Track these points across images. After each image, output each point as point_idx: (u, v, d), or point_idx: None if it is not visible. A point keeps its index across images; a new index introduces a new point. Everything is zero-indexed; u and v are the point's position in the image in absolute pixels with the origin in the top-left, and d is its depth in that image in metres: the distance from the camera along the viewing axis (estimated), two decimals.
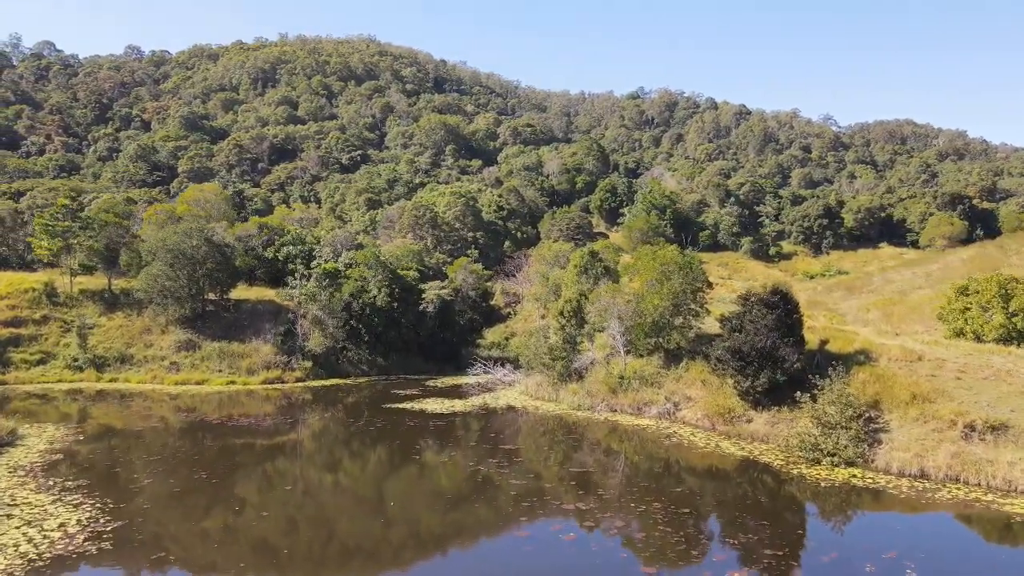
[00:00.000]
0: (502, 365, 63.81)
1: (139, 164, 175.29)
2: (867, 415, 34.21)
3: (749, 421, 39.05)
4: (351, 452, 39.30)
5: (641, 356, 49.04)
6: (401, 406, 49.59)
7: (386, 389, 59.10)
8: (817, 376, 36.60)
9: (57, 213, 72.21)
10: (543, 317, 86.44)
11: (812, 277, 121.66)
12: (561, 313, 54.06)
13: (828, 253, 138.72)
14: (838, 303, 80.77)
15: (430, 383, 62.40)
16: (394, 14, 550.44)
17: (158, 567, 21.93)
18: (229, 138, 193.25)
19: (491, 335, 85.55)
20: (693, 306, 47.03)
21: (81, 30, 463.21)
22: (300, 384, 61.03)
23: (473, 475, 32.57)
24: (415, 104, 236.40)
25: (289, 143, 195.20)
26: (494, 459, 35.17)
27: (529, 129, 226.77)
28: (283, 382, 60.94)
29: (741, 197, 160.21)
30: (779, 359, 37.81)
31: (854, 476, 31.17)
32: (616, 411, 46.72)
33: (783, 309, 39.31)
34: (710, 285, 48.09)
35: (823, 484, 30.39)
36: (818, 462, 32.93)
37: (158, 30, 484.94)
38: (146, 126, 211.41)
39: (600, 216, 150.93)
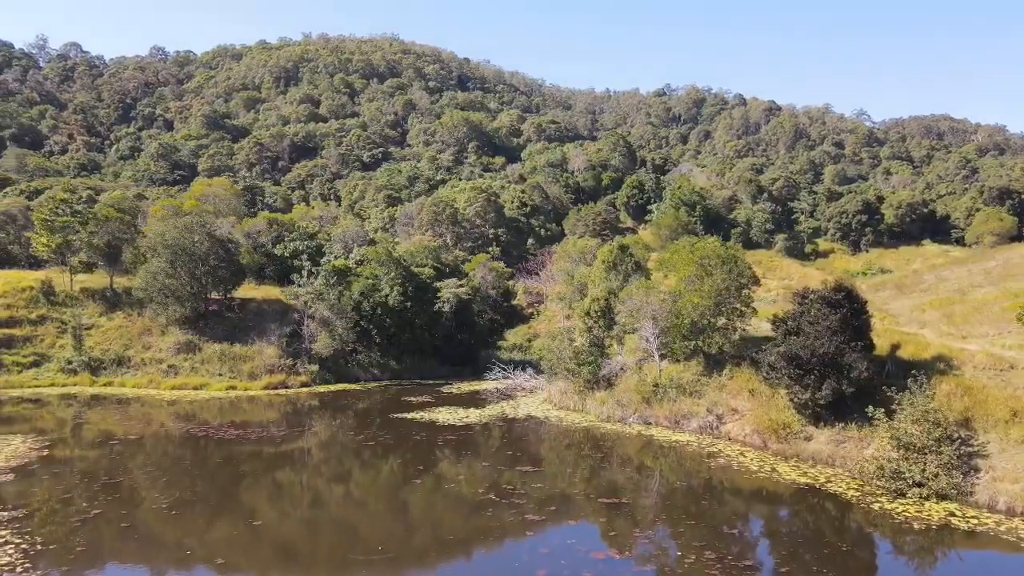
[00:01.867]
0: (523, 369, 58.76)
1: (160, 163, 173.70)
2: (957, 436, 28.59)
3: (808, 439, 33.59)
4: (343, 475, 34.57)
5: (678, 361, 43.72)
6: (410, 416, 44.81)
7: (397, 396, 54.42)
8: (893, 388, 31.02)
9: (56, 208, 68.72)
10: (568, 318, 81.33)
11: (854, 276, 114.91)
12: (587, 313, 48.92)
13: (867, 251, 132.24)
14: (887, 303, 74.41)
15: (445, 389, 57.61)
16: (417, 13, 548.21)
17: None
18: (250, 136, 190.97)
19: (512, 337, 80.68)
20: (737, 305, 41.59)
21: (107, 32, 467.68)
22: (305, 389, 56.55)
23: (482, 505, 27.57)
24: (438, 101, 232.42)
25: (310, 141, 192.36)
26: (510, 484, 30.16)
27: (554, 126, 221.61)
28: (287, 387, 56.51)
29: (774, 193, 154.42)
30: (844, 367, 32.32)
31: (952, 515, 25.55)
32: (650, 423, 41.45)
33: (848, 309, 33.79)
34: (756, 281, 42.66)
35: (916, 524, 24.83)
36: (902, 494, 27.34)
37: (185, 33, 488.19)
38: (169, 125, 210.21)
39: (627, 213, 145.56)
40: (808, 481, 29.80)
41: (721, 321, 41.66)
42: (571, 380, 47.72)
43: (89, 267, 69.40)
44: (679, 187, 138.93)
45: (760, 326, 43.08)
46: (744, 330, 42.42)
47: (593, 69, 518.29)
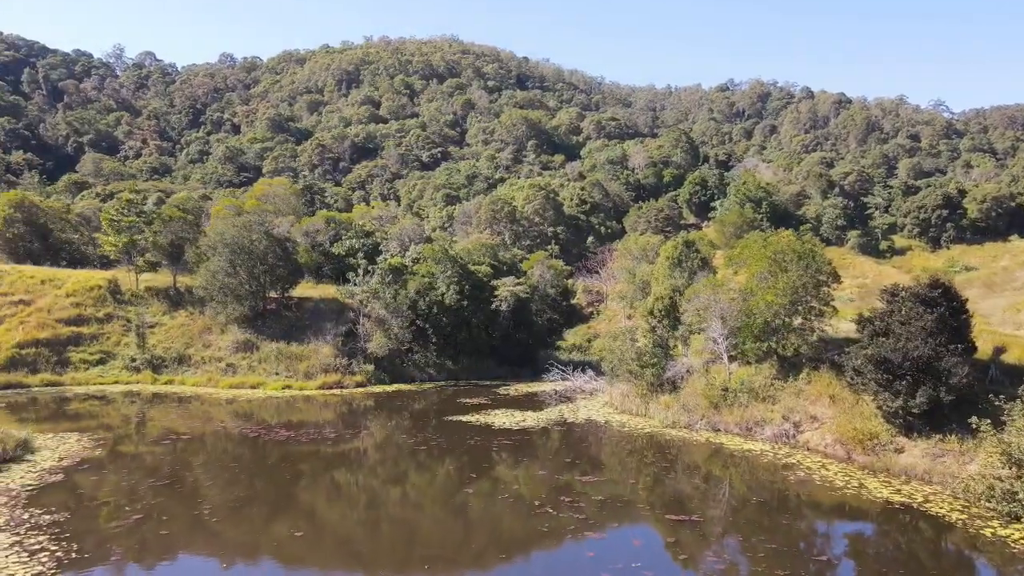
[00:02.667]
0: (583, 371, 56.60)
1: (227, 165, 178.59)
2: None
3: (899, 451, 30.42)
4: (395, 479, 33.15)
5: (749, 363, 40.85)
6: (465, 419, 43.24)
7: (453, 397, 53.05)
8: (1000, 396, 27.58)
9: (122, 208, 70.11)
10: (629, 317, 78.82)
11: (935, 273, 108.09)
12: (651, 312, 46.46)
13: (948, 247, 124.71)
14: (976, 302, 69.06)
15: (502, 390, 55.97)
16: (475, 14, 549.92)
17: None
18: (312, 138, 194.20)
19: (572, 337, 78.65)
20: (815, 303, 38.49)
21: (180, 40, 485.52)
22: (360, 390, 55.73)
23: (538, 518, 25.62)
24: (496, 100, 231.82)
25: (370, 142, 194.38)
26: (568, 495, 28.13)
27: (613, 123, 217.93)
28: (342, 387, 55.81)
29: (846, 188, 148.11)
30: (942, 372, 29.08)
31: None
32: (719, 430, 38.72)
33: (946, 307, 30.48)
34: (836, 278, 39.43)
35: None
36: (1017, 519, 24.12)
37: (253, 40, 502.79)
38: (236, 129, 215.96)
39: (689, 210, 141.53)
40: (902, 499, 26.72)
41: (797, 321, 38.64)
42: (633, 383, 45.36)
43: (153, 266, 70.56)
44: (744, 183, 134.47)
45: (839, 326, 39.90)
46: (823, 331, 39.26)
47: (653, 65, 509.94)
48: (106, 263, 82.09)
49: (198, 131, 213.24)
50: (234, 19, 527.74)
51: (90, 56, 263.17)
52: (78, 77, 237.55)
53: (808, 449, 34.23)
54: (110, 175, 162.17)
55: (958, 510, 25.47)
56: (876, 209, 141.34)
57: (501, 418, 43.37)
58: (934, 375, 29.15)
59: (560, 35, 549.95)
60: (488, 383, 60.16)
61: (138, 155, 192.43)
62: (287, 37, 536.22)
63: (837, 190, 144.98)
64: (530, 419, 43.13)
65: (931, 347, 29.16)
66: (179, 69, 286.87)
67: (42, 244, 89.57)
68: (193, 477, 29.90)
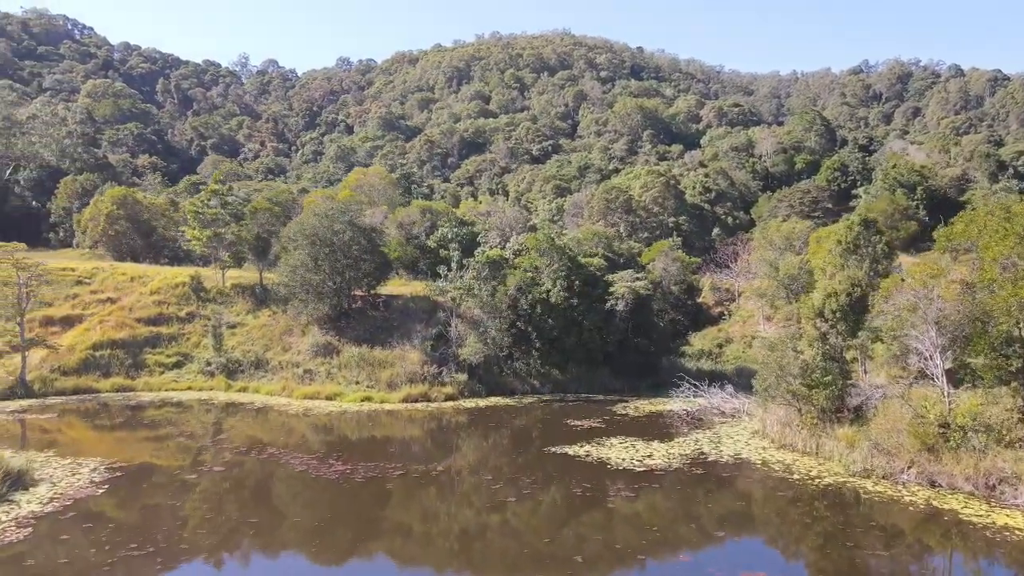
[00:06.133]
0: (720, 385, 45.43)
1: (338, 164, 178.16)
2: None
3: None
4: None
5: (975, 387, 28.85)
6: (572, 451, 33.47)
7: (558, 416, 43.42)
8: None
9: (207, 200, 65.54)
10: (768, 319, 66.70)
11: None
12: (820, 314, 34.96)
13: None
14: None
15: (619, 408, 45.72)
16: (588, 12, 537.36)
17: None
18: (421, 135, 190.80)
19: (698, 341, 67.22)
20: None
21: (302, 47, 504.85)
22: (450, 404, 47.16)
23: None
24: (610, 91, 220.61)
25: (479, 136, 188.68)
26: None
27: (736, 109, 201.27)
28: (429, 400, 47.47)
29: (1020, 170, 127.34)
30: None
31: None
32: (938, 485, 26.97)
33: None
34: None
35: None
36: None
37: (370, 43, 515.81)
38: (349, 130, 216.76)
39: (828, 198, 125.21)
40: None
41: None
42: (796, 407, 34.05)
43: (239, 262, 65.63)
44: (893, 166, 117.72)
45: None
46: None
47: (777, 52, 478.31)
48: (206, 262, 78.52)
49: (313, 132, 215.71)
50: (352, 25, 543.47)
51: (218, 66, 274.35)
52: (206, 86, 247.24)
53: None
54: (228, 176, 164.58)
55: None
56: None
57: (619, 451, 33.32)
58: None
59: (675, 23, 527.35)
60: (601, 398, 50.12)
61: (256, 157, 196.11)
62: (402, 40, 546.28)
63: (1010, 172, 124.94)
64: (657, 455, 32.80)
65: None
66: (299, 75, 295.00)
67: (144, 241, 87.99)
68: (192, 547, 21.88)
